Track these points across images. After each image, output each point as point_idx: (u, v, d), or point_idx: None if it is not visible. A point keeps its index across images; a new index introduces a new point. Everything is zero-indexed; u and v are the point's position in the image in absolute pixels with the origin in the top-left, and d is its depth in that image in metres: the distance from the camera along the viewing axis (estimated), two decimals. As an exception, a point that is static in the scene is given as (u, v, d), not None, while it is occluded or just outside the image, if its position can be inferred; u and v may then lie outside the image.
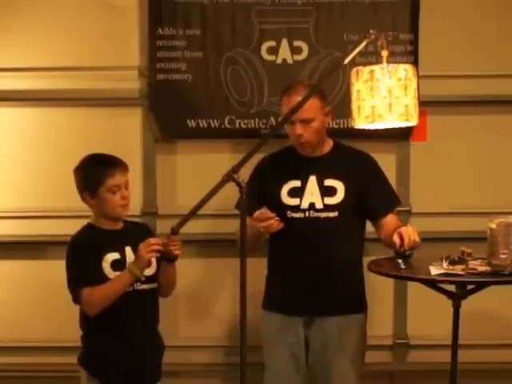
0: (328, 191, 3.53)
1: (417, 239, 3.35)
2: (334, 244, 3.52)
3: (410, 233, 3.34)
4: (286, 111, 3.41)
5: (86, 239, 3.43)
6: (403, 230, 3.36)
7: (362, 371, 3.74)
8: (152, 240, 3.29)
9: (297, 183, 3.55)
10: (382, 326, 4.42)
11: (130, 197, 3.46)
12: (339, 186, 3.53)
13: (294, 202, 3.54)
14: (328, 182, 3.53)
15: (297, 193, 3.56)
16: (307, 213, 3.54)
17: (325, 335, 3.59)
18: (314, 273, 3.52)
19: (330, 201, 3.53)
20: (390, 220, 3.58)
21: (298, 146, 3.58)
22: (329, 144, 3.62)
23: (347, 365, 3.62)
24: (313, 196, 3.53)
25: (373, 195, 3.59)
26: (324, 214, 3.53)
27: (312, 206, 3.53)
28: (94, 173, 3.39)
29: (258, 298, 3.85)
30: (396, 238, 3.32)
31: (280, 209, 3.53)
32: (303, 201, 3.54)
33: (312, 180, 3.54)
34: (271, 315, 3.66)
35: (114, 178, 3.37)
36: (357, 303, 3.66)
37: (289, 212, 3.55)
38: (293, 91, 3.51)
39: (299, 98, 3.27)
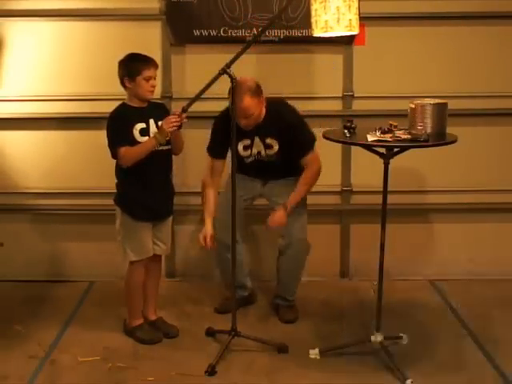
0: (268, 146, 4.16)
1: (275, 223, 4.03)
2: (275, 162, 4.19)
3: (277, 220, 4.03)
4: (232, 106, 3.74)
5: (121, 113, 3.88)
6: (276, 216, 4.03)
7: (305, 220, 4.29)
8: (172, 118, 3.72)
9: (247, 141, 4.15)
10: (333, 177, 4.91)
11: (156, 86, 3.90)
12: (275, 143, 4.14)
13: (247, 153, 4.18)
14: (268, 141, 4.14)
15: (247, 148, 4.17)
16: (256, 157, 4.21)
17: (274, 193, 4.31)
18: (264, 174, 4.29)
19: (269, 152, 4.18)
20: (307, 159, 4.12)
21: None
22: (264, 113, 4.09)
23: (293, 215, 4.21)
24: (259, 148, 4.18)
25: (293, 147, 4.12)
26: (266, 158, 4.21)
27: (259, 153, 4.19)
28: (136, 65, 3.82)
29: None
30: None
31: (238, 156, 4.07)
32: (252, 151, 4.19)
33: (256, 139, 4.15)
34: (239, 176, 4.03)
35: (149, 70, 3.82)
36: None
37: (245, 159, 4.21)
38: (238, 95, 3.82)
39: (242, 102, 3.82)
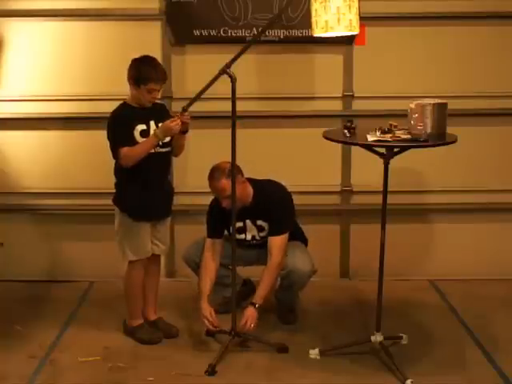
0: (260, 229, 4.24)
1: (250, 328, 3.91)
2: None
3: (249, 319, 3.92)
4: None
5: (123, 113, 3.86)
6: (248, 315, 3.93)
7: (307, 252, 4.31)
8: (178, 120, 3.72)
9: (240, 224, 4.20)
10: (333, 177, 4.98)
11: (157, 97, 3.89)
12: (265, 224, 4.21)
13: (241, 236, 4.24)
14: (259, 223, 4.23)
15: (241, 230, 4.24)
16: (251, 242, 4.30)
17: None
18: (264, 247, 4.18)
19: (262, 234, 4.25)
20: (274, 240, 4.11)
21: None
22: (251, 195, 4.15)
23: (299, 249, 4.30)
24: (252, 231, 4.27)
25: (272, 222, 4.17)
26: (261, 240, 4.25)
27: (253, 237, 4.28)
28: (145, 74, 3.77)
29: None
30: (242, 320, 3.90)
31: (237, 240, 4.08)
32: (247, 235, 4.27)
33: (248, 222, 4.24)
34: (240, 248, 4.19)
35: (155, 84, 3.79)
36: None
37: (243, 242, 4.27)
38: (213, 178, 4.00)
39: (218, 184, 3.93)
